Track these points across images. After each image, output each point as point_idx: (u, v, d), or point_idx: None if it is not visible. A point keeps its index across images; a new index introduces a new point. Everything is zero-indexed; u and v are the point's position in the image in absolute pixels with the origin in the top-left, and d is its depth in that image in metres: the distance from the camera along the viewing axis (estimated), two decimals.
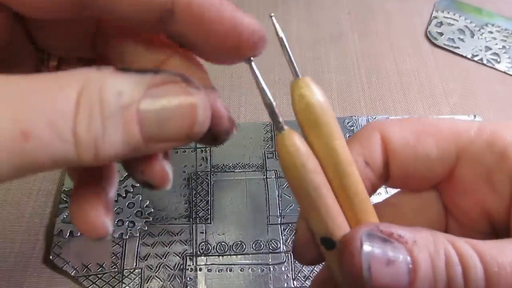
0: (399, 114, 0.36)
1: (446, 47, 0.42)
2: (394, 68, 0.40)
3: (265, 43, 0.17)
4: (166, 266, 0.29)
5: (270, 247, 0.30)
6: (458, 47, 0.42)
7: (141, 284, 0.28)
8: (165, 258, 0.29)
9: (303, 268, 0.29)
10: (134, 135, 0.14)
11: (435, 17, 0.44)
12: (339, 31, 0.43)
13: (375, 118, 0.36)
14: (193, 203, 0.31)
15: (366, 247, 0.15)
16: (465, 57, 0.41)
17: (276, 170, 0.33)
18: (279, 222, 0.31)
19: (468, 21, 0.44)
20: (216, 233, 0.30)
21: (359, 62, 0.40)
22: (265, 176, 0.33)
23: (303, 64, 0.40)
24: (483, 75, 0.40)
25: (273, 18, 0.18)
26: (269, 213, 0.31)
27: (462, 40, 0.42)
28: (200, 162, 0.33)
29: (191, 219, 0.31)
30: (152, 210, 0.31)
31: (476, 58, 0.41)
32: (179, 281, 0.28)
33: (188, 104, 0.15)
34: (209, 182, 0.32)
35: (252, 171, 0.33)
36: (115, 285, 0.28)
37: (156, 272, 0.29)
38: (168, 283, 0.28)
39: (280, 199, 0.32)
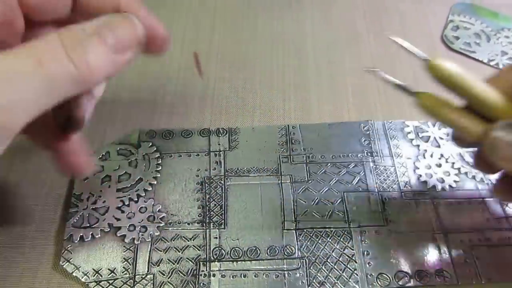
0: (415, 118, 0.36)
1: (462, 51, 0.41)
2: (410, 71, 0.39)
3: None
4: (179, 272, 0.28)
5: (285, 253, 0.29)
6: (474, 52, 0.41)
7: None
8: (178, 263, 0.28)
9: (318, 274, 0.28)
10: (106, 49, 0.20)
11: (451, 21, 0.44)
12: (354, 33, 0.42)
13: (391, 122, 0.35)
14: (207, 207, 0.31)
15: None
16: (481, 62, 0.41)
17: (291, 175, 0.32)
18: (295, 228, 0.30)
19: (484, 25, 0.44)
20: (230, 238, 0.29)
21: (375, 65, 0.40)
22: (280, 181, 0.32)
23: (317, 66, 0.40)
24: None
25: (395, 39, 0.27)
26: (284, 218, 0.30)
27: (478, 44, 0.42)
28: (214, 166, 0.33)
29: (204, 224, 0.30)
30: (165, 214, 0.30)
31: (492, 63, 0.40)
32: (192, 287, 0.28)
33: (132, 22, 0.22)
34: (223, 186, 0.32)
35: (266, 175, 0.32)
36: None
37: (168, 278, 0.28)
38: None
39: (295, 204, 0.31)
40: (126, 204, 0.31)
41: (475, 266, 0.29)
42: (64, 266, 0.28)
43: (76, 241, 0.29)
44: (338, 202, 0.31)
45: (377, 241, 0.30)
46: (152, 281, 0.28)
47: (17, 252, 0.29)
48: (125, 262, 0.28)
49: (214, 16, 0.44)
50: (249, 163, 0.33)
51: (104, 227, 0.30)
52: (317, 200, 0.31)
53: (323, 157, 0.33)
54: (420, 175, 0.32)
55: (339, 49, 0.41)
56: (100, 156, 0.33)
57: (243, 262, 0.29)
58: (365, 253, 0.29)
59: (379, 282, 0.28)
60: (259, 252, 0.29)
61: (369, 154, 0.33)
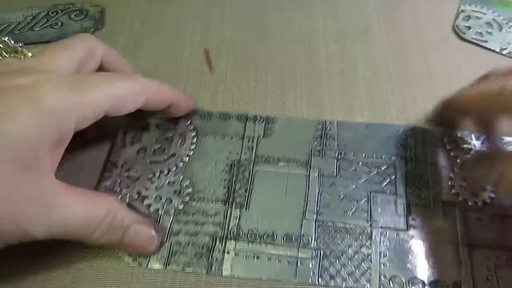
0: (428, 109, 0.35)
1: (474, 41, 0.41)
2: (422, 63, 0.39)
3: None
4: (195, 244, 0.29)
5: (301, 242, 0.29)
6: (487, 41, 0.41)
7: (168, 258, 0.29)
8: (195, 236, 0.29)
9: (330, 267, 0.28)
10: (118, 239, 0.27)
11: (463, 11, 0.43)
12: (365, 25, 0.42)
13: (430, 130, 0.34)
14: (232, 189, 0.31)
15: None
16: (494, 51, 0.40)
17: (321, 168, 0.32)
18: (315, 219, 0.30)
19: (496, 14, 0.43)
20: (250, 220, 0.30)
21: (387, 57, 0.39)
22: (308, 173, 0.32)
23: (329, 59, 0.39)
24: None
25: None
26: (306, 208, 0.30)
27: (490, 33, 0.41)
28: (245, 151, 0.33)
29: (227, 204, 0.31)
30: (191, 190, 0.31)
31: (504, 52, 0.40)
32: (205, 260, 0.28)
33: (150, 235, 0.28)
34: (251, 171, 0.32)
35: (296, 165, 0.33)
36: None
37: (184, 249, 0.29)
38: (195, 260, 0.28)
39: (319, 197, 0.31)
40: (156, 176, 0.32)
41: (496, 285, 0.27)
42: None
43: None
44: (363, 201, 0.31)
45: (397, 244, 0.29)
46: (168, 249, 0.29)
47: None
48: None
49: (224, 11, 0.44)
50: (280, 152, 0.33)
51: (133, 194, 0.31)
52: (342, 196, 0.31)
53: (355, 155, 0.33)
54: (453, 186, 0.31)
55: (350, 41, 0.41)
56: (142, 127, 0.35)
57: (258, 244, 0.29)
58: (382, 254, 0.29)
59: (391, 285, 0.27)
60: (275, 237, 0.29)
61: (403, 158, 0.33)
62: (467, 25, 0.42)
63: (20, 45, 0.28)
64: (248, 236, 0.29)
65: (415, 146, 0.33)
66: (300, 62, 0.39)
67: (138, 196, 0.31)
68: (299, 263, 0.28)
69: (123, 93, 0.27)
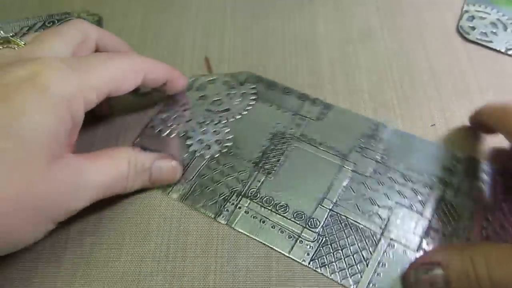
0: (433, 112, 0.35)
1: (479, 42, 0.39)
2: (426, 65, 0.38)
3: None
4: (214, 191, 0.31)
5: (309, 223, 0.30)
6: (491, 41, 0.39)
7: (186, 195, 0.31)
8: (217, 185, 0.32)
9: (326, 256, 0.29)
10: (147, 180, 0.30)
11: (466, 11, 0.42)
12: (368, 29, 0.41)
13: (484, 163, 0.33)
14: (266, 155, 0.33)
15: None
16: (499, 51, 0.39)
17: (357, 165, 0.32)
18: (330, 208, 0.30)
19: (500, 13, 0.41)
20: (270, 188, 0.31)
21: (390, 60, 0.38)
22: (342, 165, 0.32)
23: (331, 64, 0.38)
24: None
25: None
26: (327, 195, 0.31)
27: (495, 34, 0.40)
28: (292, 126, 0.34)
29: (256, 166, 0.32)
30: (231, 144, 0.33)
31: (510, 52, 0.38)
32: (217, 207, 0.31)
33: (171, 166, 0.31)
34: (290, 145, 0.33)
35: (333, 154, 0.33)
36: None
37: (203, 191, 0.31)
38: (209, 203, 0.31)
39: (344, 190, 0.31)
40: (206, 122, 0.35)
41: None
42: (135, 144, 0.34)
43: (155, 131, 0.34)
44: (385, 208, 0.31)
45: (400, 260, 0.29)
46: (190, 187, 0.32)
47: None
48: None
49: (224, 18, 0.43)
50: (325, 137, 0.34)
51: (180, 131, 0.34)
52: (366, 197, 0.31)
53: (396, 164, 0.33)
54: (486, 229, 0.30)
55: (353, 45, 0.40)
56: (209, 79, 0.37)
57: (269, 211, 0.30)
58: (381, 264, 0.28)
59: None
60: (287, 210, 0.30)
61: (444, 183, 0.32)
62: (471, 25, 0.41)
63: (11, 34, 0.29)
64: (263, 201, 0.31)
65: (463, 175, 0.32)
66: (303, 69, 0.39)
67: (184, 135, 0.34)
68: (298, 241, 0.29)
69: (121, 71, 0.28)
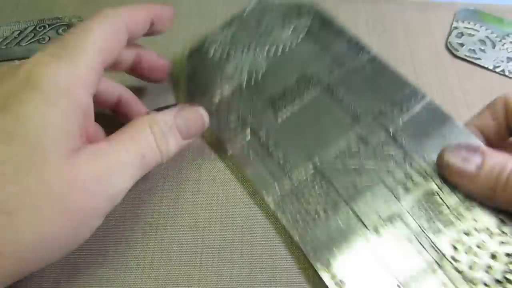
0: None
1: (467, 58, 0.41)
2: (414, 80, 0.39)
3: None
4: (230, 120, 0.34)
5: (288, 168, 0.31)
6: (480, 58, 0.41)
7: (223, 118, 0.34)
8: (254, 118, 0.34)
9: (309, 230, 0.29)
10: (179, 137, 0.29)
11: (455, 28, 0.44)
12: None
13: None
14: (285, 93, 0.34)
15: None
16: (487, 69, 0.41)
17: (362, 130, 0.32)
18: (315, 167, 0.31)
19: (489, 31, 0.43)
20: (272, 129, 0.33)
21: None
22: (349, 129, 0.32)
23: None
24: (505, 86, 0.39)
25: None
26: (317, 156, 0.31)
27: (483, 51, 0.42)
28: (325, 72, 0.34)
29: (272, 103, 0.34)
30: (263, 71, 0.35)
31: (498, 69, 0.41)
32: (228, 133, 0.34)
33: (195, 111, 0.31)
34: (312, 91, 0.34)
35: (345, 114, 0.33)
36: None
37: (237, 130, 0.34)
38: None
39: (335, 158, 0.31)
40: (251, 47, 0.36)
41: None
42: None
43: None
44: (367, 184, 0.30)
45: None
46: (225, 110, 0.34)
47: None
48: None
49: (215, 25, 0.39)
50: (350, 93, 0.33)
51: (224, 53, 0.36)
52: (356, 167, 0.30)
53: (408, 142, 0.31)
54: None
55: None
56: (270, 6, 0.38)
57: (270, 144, 0.32)
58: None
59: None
60: (287, 151, 0.32)
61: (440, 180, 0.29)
62: (460, 42, 0.42)
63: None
64: (265, 137, 0.33)
65: None
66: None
67: (226, 56, 0.35)
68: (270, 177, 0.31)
69: (102, 37, 0.26)
